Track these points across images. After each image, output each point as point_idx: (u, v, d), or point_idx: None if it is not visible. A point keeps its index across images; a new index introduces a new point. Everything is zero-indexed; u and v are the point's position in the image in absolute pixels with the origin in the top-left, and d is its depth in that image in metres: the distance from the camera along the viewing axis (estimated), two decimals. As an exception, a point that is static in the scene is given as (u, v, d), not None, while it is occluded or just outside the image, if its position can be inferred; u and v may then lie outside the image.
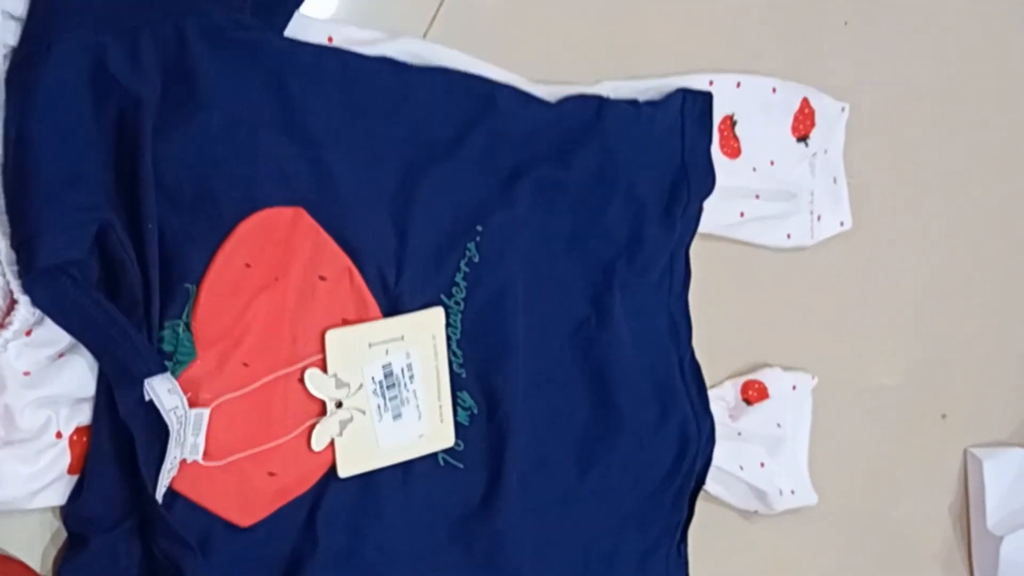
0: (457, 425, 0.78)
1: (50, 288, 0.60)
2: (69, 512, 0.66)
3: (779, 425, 0.93)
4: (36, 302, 0.60)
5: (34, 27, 0.61)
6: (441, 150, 0.76)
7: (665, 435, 0.86)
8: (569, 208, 0.81)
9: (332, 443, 0.73)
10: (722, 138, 0.88)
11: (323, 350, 0.72)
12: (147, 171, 0.62)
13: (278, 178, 0.69)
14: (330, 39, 0.73)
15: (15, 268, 0.59)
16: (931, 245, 1.07)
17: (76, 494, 0.66)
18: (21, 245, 0.58)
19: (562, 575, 0.83)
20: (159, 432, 0.65)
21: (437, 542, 0.78)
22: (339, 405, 0.73)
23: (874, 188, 1.01)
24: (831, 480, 0.99)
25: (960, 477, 1.11)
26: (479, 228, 0.77)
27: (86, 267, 0.61)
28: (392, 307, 0.74)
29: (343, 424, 0.73)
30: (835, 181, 0.96)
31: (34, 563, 0.66)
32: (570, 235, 0.82)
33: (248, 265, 0.68)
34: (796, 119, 0.92)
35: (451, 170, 0.76)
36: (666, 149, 0.85)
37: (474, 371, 0.78)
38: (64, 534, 0.67)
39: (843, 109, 0.96)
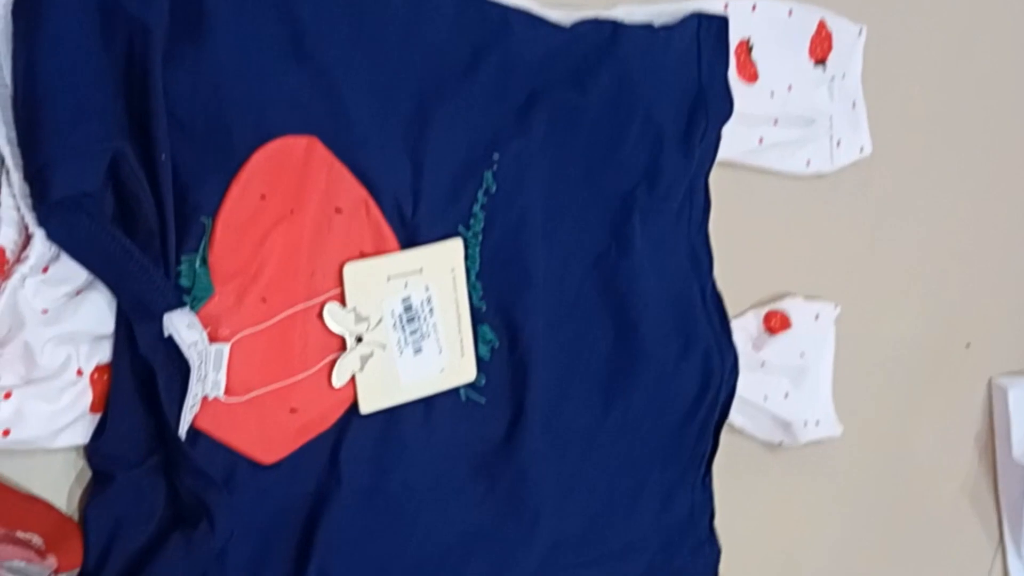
0: (478, 359, 0.77)
1: (65, 221, 0.59)
2: (93, 449, 0.65)
3: (802, 355, 0.93)
4: (51, 235, 0.60)
5: None
6: (454, 77, 0.74)
7: (688, 366, 0.85)
8: (586, 135, 0.80)
9: (353, 379, 0.72)
10: (738, 63, 0.87)
11: (341, 284, 0.71)
12: (158, 100, 0.61)
13: (290, 106, 0.68)
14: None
15: (29, 201, 0.59)
16: (954, 169, 1.06)
17: (99, 432, 0.65)
18: (34, 176, 0.58)
19: (587, 509, 0.83)
20: (180, 368, 0.64)
21: (461, 478, 0.77)
22: (359, 340, 0.72)
23: (894, 113, 1.00)
24: (855, 411, 0.99)
25: (985, 407, 1.11)
26: (495, 156, 0.76)
27: (101, 200, 0.61)
28: (410, 239, 0.74)
29: (364, 359, 0.72)
30: (854, 106, 0.95)
31: (59, 502, 0.66)
32: (588, 163, 0.81)
33: (263, 197, 0.67)
34: (813, 42, 0.91)
35: (465, 97, 0.75)
36: (682, 74, 0.84)
37: (494, 304, 0.78)
38: (88, 474, 0.67)
39: (860, 32, 0.94)
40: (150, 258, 0.63)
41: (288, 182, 0.68)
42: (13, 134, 0.59)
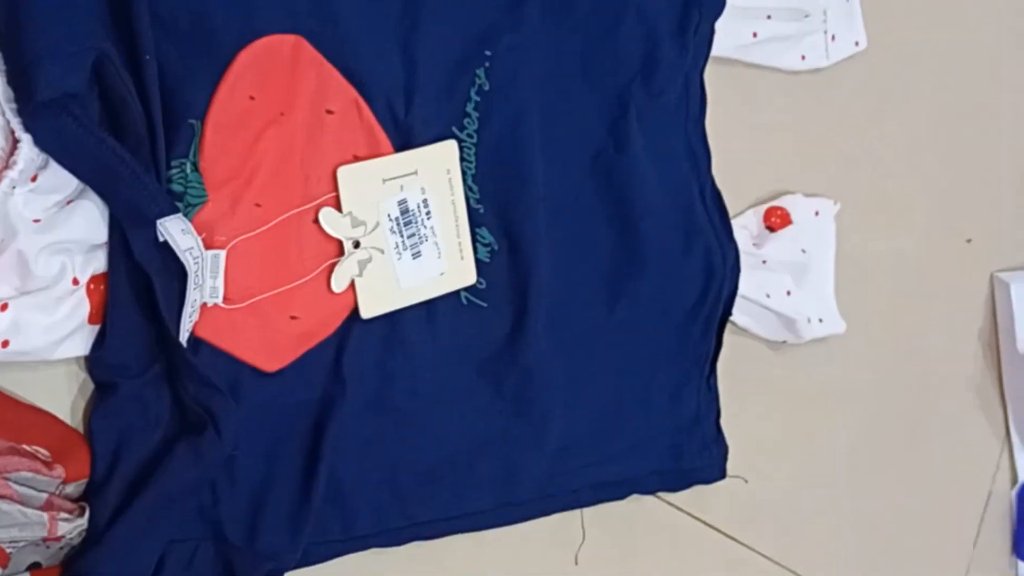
0: (478, 262, 0.77)
1: (52, 127, 0.59)
2: (94, 360, 0.65)
3: (804, 251, 0.92)
4: (38, 141, 0.59)
5: None
6: (444, -29, 0.74)
7: (690, 264, 0.85)
8: (579, 29, 0.79)
9: (353, 284, 0.72)
10: (730, -44, 0.86)
11: (336, 188, 0.70)
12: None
13: (277, 3, 0.67)
14: None
15: (14, 106, 0.58)
16: (950, 62, 1.04)
17: (99, 343, 0.65)
18: (18, 78, 0.57)
19: (594, 409, 0.83)
20: (177, 274, 0.64)
21: (466, 382, 0.77)
22: (356, 245, 0.71)
23: (889, 5, 0.99)
24: (858, 309, 0.98)
25: (988, 302, 1.10)
26: (488, 53, 0.75)
27: (87, 104, 0.60)
28: (403, 140, 0.73)
29: (362, 264, 0.72)
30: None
31: (62, 414, 0.66)
32: (582, 59, 0.80)
33: (252, 98, 0.67)
34: (804, -66, 0.90)
35: (455, -11, 0.74)
36: (674, -34, 0.83)
37: (492, 206, 0.77)
38: (90, 386, 0.67)
39: (851, -80, 0.93)
40: (140, 163, 0.62)
41: (277, 83, 0.68)
42: (-4, 38, 0.58)
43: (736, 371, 0.92)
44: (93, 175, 0.62)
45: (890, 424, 1.04)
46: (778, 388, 0.96)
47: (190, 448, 0.66)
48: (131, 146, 0.62)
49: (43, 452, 0.63)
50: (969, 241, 1.08)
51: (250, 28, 0.66)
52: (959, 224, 1.08)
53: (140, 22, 0.61)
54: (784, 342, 0.93)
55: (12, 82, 0.57)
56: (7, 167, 0.59)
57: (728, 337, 0.89)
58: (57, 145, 0.60)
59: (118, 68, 0.60)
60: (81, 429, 0.67)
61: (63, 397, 0.66)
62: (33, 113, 0.58)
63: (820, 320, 0.94)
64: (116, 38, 0.61)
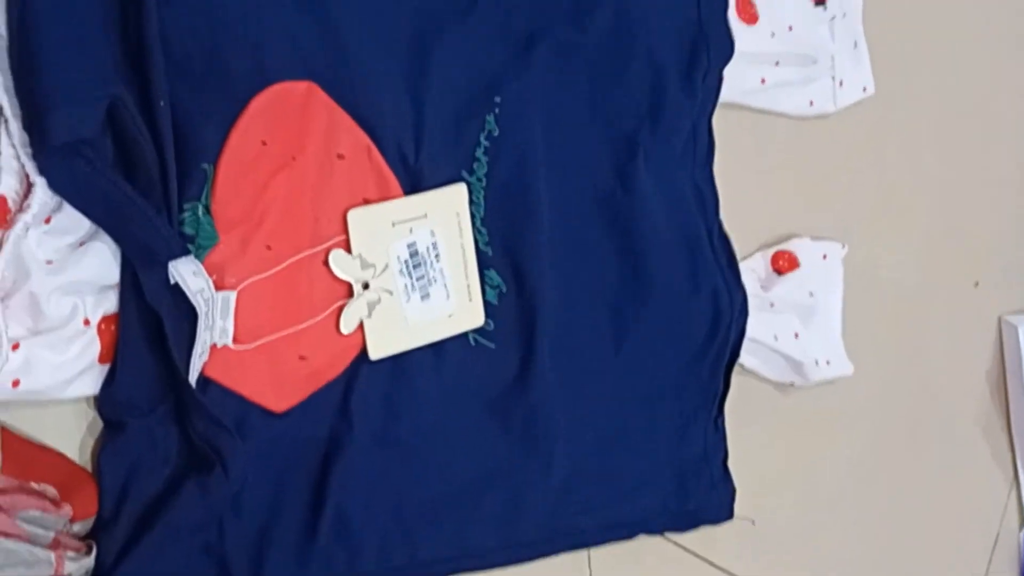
0: (486, 304, 0.77)
1: (65, 169, 0.59)
2: (103, 399, 0.66)
3: (811, 294, 0.93)
4: (52, 184, 0.60)
5: None
6: (454, 17, 0.75)
7: (698, 306, 0.85)
8: (587, 74, 0.80)
9: (361, 325, 0.72)
10: (738, 3, 0.87)
11: (346, 230, 0.71)
12: (155, 43, 0.61)
13: (290, 50, 0.68)
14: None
15: (29, 150, 0.59)
16: (957, 108, 1.05)
17: (109, 382, 0.66)
18: (33, 123, 0.58)
19: (600, 447, 0.83)
20: (188, 316, 0.65)
21: (473, 420, 0.78)
22: (366, 286, 0.72)
23: (895, 51, 0.99)
24: (865, 351, 0.99)
25: (996, 344, 1.10)
26: (497, 99, 0.76)
27: (100, 147, 0.61)
28: (413, 184, 0.74)
29: (371, 305, 0.72)
30: (855, 45, 0.95)
31: (70, 452, 0.67)
32: (590, 103, 0.80)
33: (264, 143, 0.68)
34: (812, -19, 0.91)
35: (465, 36, 0.75)
36: (682, 14, 0.84)
37: (500, 248, 0.78)
38: (99, 424, 0.67)
39: (860, -32, 0.94)
40: (152, 206, 0.63)
41: (289, 128, 0.68)
42: (11, 83, 0.59)
43: (744, 413, 0.92)
44: (106, 217, 0.63)
45: (898, 465, 1.04)
46: (786, 429, 0.96)
47: (197, 486, 0.67)
48: (143, 189, 0.63)
49: (51, 490, 0.64)
50: (977, 284, 1.09)
51: (263, 73, 0.67)
52: (967, 267, 1.08)
53: (155, 69, 0.61)
54: (792, 384, 0.94)
55: (27, 126, 0.58)
56: (21, 210, 0.60)
57: (736, 379, 0.89)
58: (71, 188, 0.60)
59: (132, 113, 0.60)
60: (89, 467, 0.67)
61: (72, 435, 0.67)
62: (47, 157, 0.58)
63: (827, 362, 0.94)
64: (130, 80, 0.62)
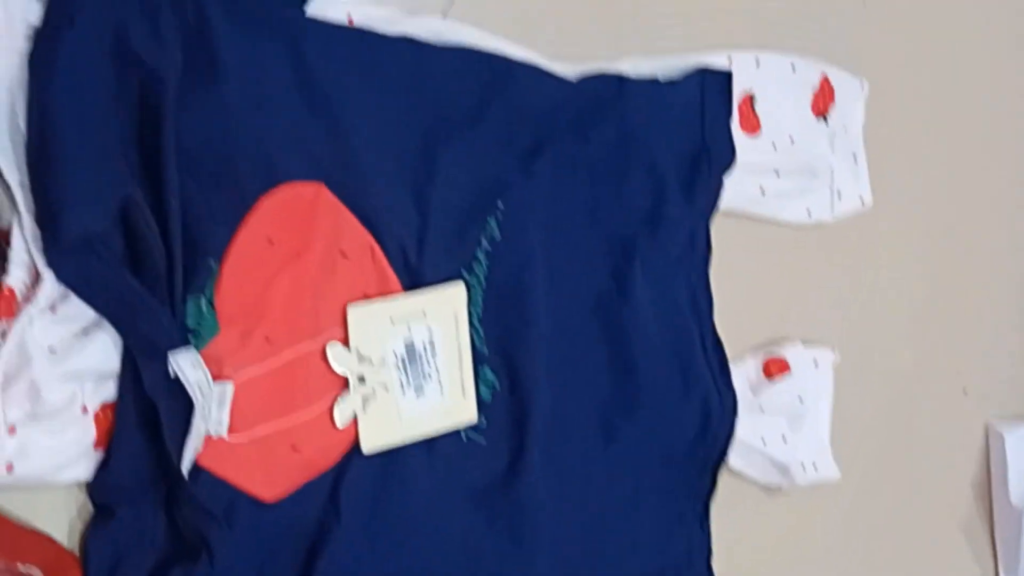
0: (479, 401, 0.78)
1: (75, 263, 0.61)
2: (95, 484, 0.66)
3: (801, 400, 0.93)
4: (61, 277, 0.61)
5: (56, 3, 0.62)
6: (461, 125, 0.76)
7: (688, 409, 0.86)
8: (589, 182, 0.81)
9: (355, 418, 0.73)
10: (742, 115, 0.88)
11: (345, 325, 0.72)
12: (169, 146, 0.62)
13: (299, 152, 0.69)
14: (350, 20, 0.74)
15: (40, 244, 0.60)
16: (950, 219, 1.07)
17: (102, 468, 0.66)
18: (46, 220, 0.59)
19: (585, 547, 0.83)
20: (184, 406, 0.65)
21: (460, 515, 0.78)
22: (362, 380, 0.73)
23: (893, 164, 1.01)
24: (853, 455, 0.99)
25: (983, 451, 1.11)
26: (500, 205, 0.78)
27: (110, 242, 0.62)
28: (413, 283, 0.75)
29: (366, 399, 0.73)
30: (855, 158, 0.96)
31: (60, 537, 0.67)
32: (591, 209, 0.82)
33: (270, 241, 0.69)
34: (815, 96, 0.92)
35: (471, 145, 0.76)
36: (686, 125, 0.85)
37: (496, 347, 0.79)
38: (89, 508, 0.68)
39: (862, 86, 0.96)
40: (157, 298, 0.64)
41: (295, 227, 0.70)
42: (26, 179, 0.60)
43: (730, 514, 0.92)
44: (111, 309, 0.63)
45: (883, 570, 1.04)
46: (771, 531, 0.97)
47: (183, 574, 0.67)
48: (149, 282, 0.64)
49: (37, 573, 0.64)
50: (966, 391, 1.10)
51: (273, 174, 0.68)
52: (956, 374, 1.09)
53: (168, 170, 0.63)
54: (779, 486, 0.94)
55: (40, 221, 0.59)
56: (28, 301, 0.61)
57: (723, 479, 0.90)
58: (79, 281, 0.62)
59: (143, 210, 0.62)
60: (77, 551, 0.67)
61: (61, 518, 0.67)
62: (58, 253, 0.60)
63: (815, 467, 0.95)
64: (143, 178, 0.63)
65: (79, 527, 0.68)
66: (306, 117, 0.69)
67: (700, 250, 0.88)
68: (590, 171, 0.81)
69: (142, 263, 0.64)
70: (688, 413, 0.87)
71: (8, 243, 0.61)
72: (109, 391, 0.66)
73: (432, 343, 0.75)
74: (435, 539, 0.77)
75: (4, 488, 0.64)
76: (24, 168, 0.60)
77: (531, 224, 0.79)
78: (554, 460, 0.81)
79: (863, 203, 0.97)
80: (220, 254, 0.67)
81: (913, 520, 1.07)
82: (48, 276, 0.61)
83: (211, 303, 0.67)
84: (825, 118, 0.93)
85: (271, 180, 0.68)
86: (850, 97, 0.95)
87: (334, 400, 0.72)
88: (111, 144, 0.61)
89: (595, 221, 0.82)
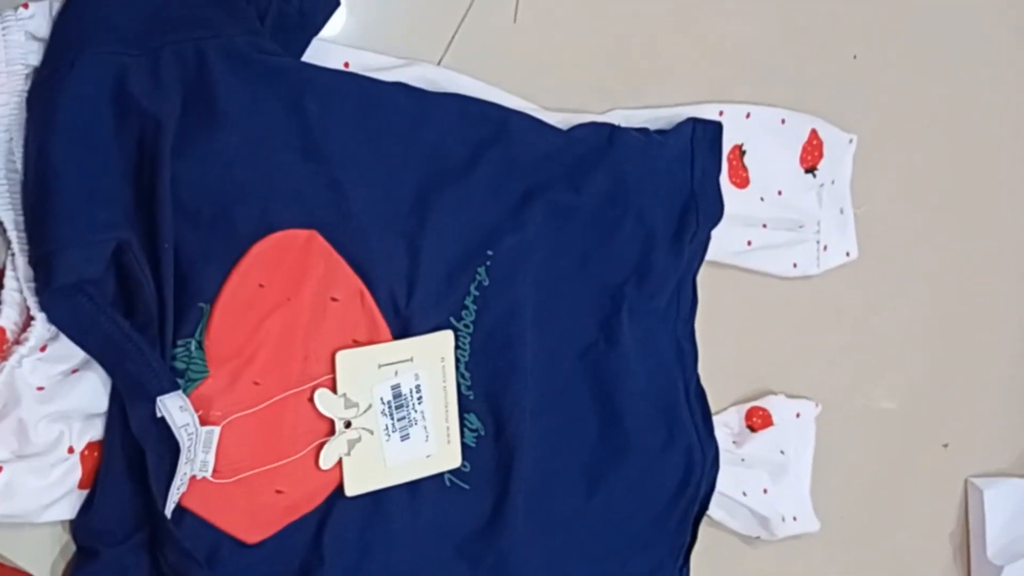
0: (464, 447, 0.78)
1: (67, 305, 0.61)
2: (79, 525, 0.66)
3: (782, 452, 0.94)
4: (52, 319, 0.61)
5: (57, 47, 0.62)
6: (454, 173, 0.76)
7: (670, 459, 0.87)
8: (579, 232, 0.82)
9: (340, 462, 0.73)
10: (731, 167, 0.89)
11: (333, 370, 0.72)
12: (165, 192, 0.63)
13: (294, 199, 0.70)
14: (347, 64, 0.74)
15: (32, 285, 0.60)
16: (935, 274, 1.08)
17: (86, 508, 0.66)
18: (39, 262, 0.59)
19: (567, 598, 0.83)
20: (170, 448, 0.66)
21: (443, 560, 0.78)
22: (348, 425, 0.73)
23: (879, 218, 1.02)
24: (833, 507, 1.00)
25: (961, 506, 1.12)
26: (489, 252, 0.78)
27: (102, 284, 0.62)
28: (402, 328, 0.75)
29: (351, 443, 0.73)
30: (842, 212, 0.97)
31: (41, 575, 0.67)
32: (580, 259, 0.82)
33: (262, 285, 0.69)
34: (804, 150, 0.93)
35: (463, 193, 0.76)
36: (676, 177, 0.86)
37: (482, 393, 0.79)
38: (73, 548, 0.68)
39: (851, 141, 0.97)
40: (147, 341, 0.64)
41: (287, 272, 0.70)
42: (20, 219, 0.60)
43: (709, 564, 0.93)
44: (101, 350, 0.64)
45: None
46: (749, 581, 0.97)
47: (165, 616, 0.67)
48: (140, 324, 0.64)
49: (18, 612, 0.64)
50: (946, 446, 1.10)
51: (267, 220, 0.69)
52: (937, 429, 1.10)
53: (163, 213, 0.63)
54: (758, 537, 0.94)
55: (33, 263, 0.60)
56: (19, 342, 0.61)
57: (703, 529, 0.90)
58: (70, 323, 0.62)
59: (136, 255, 0.62)
60: (59, 592, 0.68)
61: (45, 558, 0.67)
62: (51, 296, 0.60)
63: (795, 519, 0.95)
64: (138, 222, 0.63)
65: (62, 566, 0.68)
66: (302, 164, 0.70)
67: (686, 301, 0.89)
68: (581, 220, 0.82)
69: (133, 305, 0.65)
70: (671, 463, 0.87)
71: (0, 283, 0.61)
72: (96, 430, 0.66)
73: (419, 388, 0.75)
74: None
75: (-13, 526, 0.64)
76: (19, 208, 0.60)
77: (520, 272, 0.79)
78: (537, 508, 0.81)
79: (849, 256, 0.98)
80: (211, 298, 0.67)
81: (890, 573, 1.07)
82: (40, 318, 0.61)
83: (201, 346, 0.67)
84: (813, 172, 0.94)
85: (265, 226, 0.69)
86: (838, 151, 0.96)
87: (320, 444, 0.72)
88: (107, 187, 0.61)
89: (584, 270, 0.83)
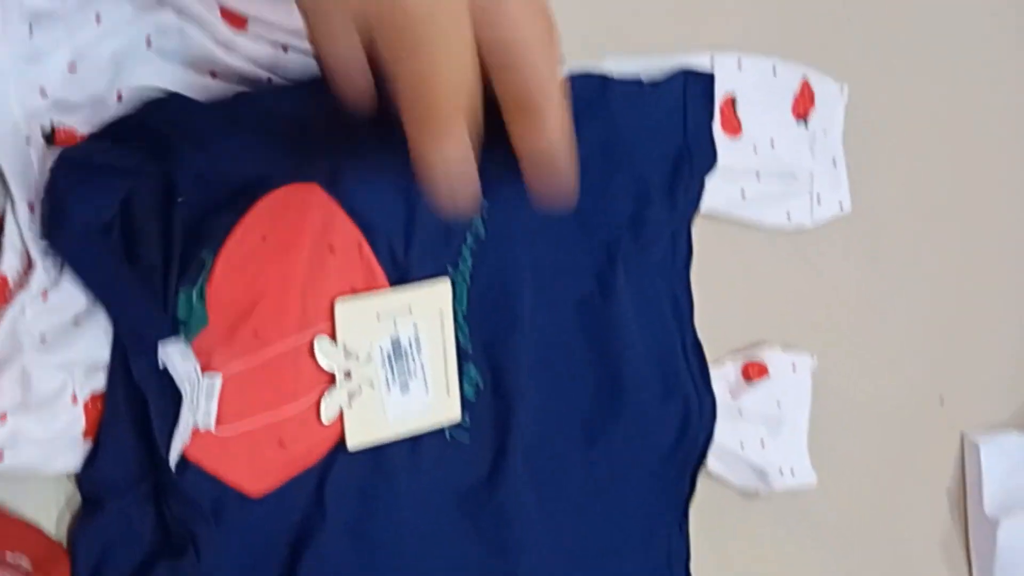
0: (463, 399, 0.79)
1: (73, 249, 0.61)
2: (84, 476, 0.66)
3: (779, 404, 0.94)
4: (60, 252, 0.61)
5: None
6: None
7: (668, 411, 0.87)
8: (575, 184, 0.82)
9: (341, 415, 0.73)
10: (723, 117, 0.89)
11: (332, 320, 0.73)
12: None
13: (298, 158, 0.70)
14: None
15: (33, 230, 0.60)
16: (930, 227, 1.08)
17: (91, 459, 0.67)
18: (50, 207, 0.59)
19: (567, 548, 0.83)
20: (173, 397, 0.66)
21: (445, 516, 0.78)
22: (348, 376, 0.73)
23: (873, 170, 1.02)
24: (829, 462, 1.00)
25: (958, 461, 1.12)
26: (485, 203, 0.78)
27: (109, 230, 0.63)
28: (400, 278, 0.75)
29: (352, 395, 0.74)
30: (834, 163, 0.97)
31: (48, 528, 0.67)
32: (576, 211, 0.82)
33: (264, 238, 0.69)
34: (796, 99, 0.94)
35: (459, 143, 0.77)
36: (668, 127, 0.86)
37: (480, 344, 0.79)
38: (78, 500, 0.68)
39: (842, 90, 0.97)
40: (150, 290, 0.64)
41: (286, 223, 0.70)
42: (19, 166, 0.60)
43: (707, 521, 0.93)
44: (106, 295, 0.64)
45: (857, 576, 1.05)
46: (748, 538, 0.97)
47: (170, 569, 0.67)
48: (144, 273, 0.64)
49: (25, 562, 0.64)
50: (942, 400, 1.10)
51: (272, 181, 0.69)
52: (934, 383, 1.10)
53: (180, 169, 0.63)
54: (756, 491, 0.95)
55: (43, 208, 0.60)
56: (20, 287, 0.61)
57: (701, 484, 0.91)
58: (75, 263, 0.62)
59: (146, 203, 0.62)
60: (65, 542, 0.68)
61: (49, 510, 0.67)
62: (59, 236, 0.60)
63: (792, 472, 0.95)
64: (151, 173, 0.64)
65: (67, 518, 0.68)
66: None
67: (681, 252, 0.89)
68: (576, 172, 0.82)
69: (138, 254, 0.65)
70: (668, 416, 0.87)
71: (0, 229, 0.61)
72: (99, 381, 0.66)
73: (418, 340, 0.76)
74: (420, 541, 0.77)
75: (-7, 477, 0.64)
76: (18, 155, 0.60)
77: (516, 224, 0.80)
78: (535, 462, 0.81)
79: (842, 208, 0.98)
80: (215, 249, 0.68)
81: (887, 528, 1.07)
82: (41, 263, 0.61)
83: (201, 296, 0.68)
84: (805, 122, 0.94)
85: (270, 184, 0.69)
86: (830, 101, 0.96)
87: (320, 395, 0.73)
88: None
89: (580, 222, 0.83)
